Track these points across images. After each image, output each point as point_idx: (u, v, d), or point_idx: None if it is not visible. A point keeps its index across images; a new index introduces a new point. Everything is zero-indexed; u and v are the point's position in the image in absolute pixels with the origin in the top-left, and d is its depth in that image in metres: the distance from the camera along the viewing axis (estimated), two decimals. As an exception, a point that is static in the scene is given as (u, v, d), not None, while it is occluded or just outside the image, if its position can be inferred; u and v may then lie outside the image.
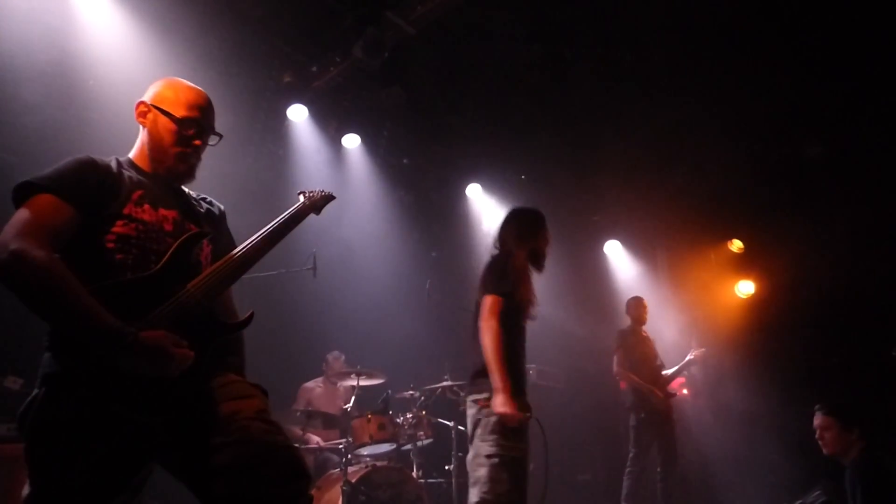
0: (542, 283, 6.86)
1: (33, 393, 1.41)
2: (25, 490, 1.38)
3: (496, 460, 2.48)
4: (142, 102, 1.69)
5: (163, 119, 1.66)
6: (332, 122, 5.70)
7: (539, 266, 2.95)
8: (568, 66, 4.97)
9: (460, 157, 6.29)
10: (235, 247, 1.68)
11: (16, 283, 1.31)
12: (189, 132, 1.66)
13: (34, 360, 1.45)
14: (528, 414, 2.69)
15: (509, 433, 2.52)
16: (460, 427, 4.69)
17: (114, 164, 1.62)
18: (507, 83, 5.27)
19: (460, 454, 4.60)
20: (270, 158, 5.56)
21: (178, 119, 1.65)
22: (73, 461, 1.36)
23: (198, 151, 1.70)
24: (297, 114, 5.39)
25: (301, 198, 1.87)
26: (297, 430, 4.48)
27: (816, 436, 3.07)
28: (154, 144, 1.67)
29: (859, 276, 5.15)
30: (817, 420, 3.07)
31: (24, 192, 1.43)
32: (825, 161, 5.40)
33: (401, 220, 6.30)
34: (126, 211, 1.53)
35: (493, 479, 2.46)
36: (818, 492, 3.19)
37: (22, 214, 1.39)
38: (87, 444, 1.36)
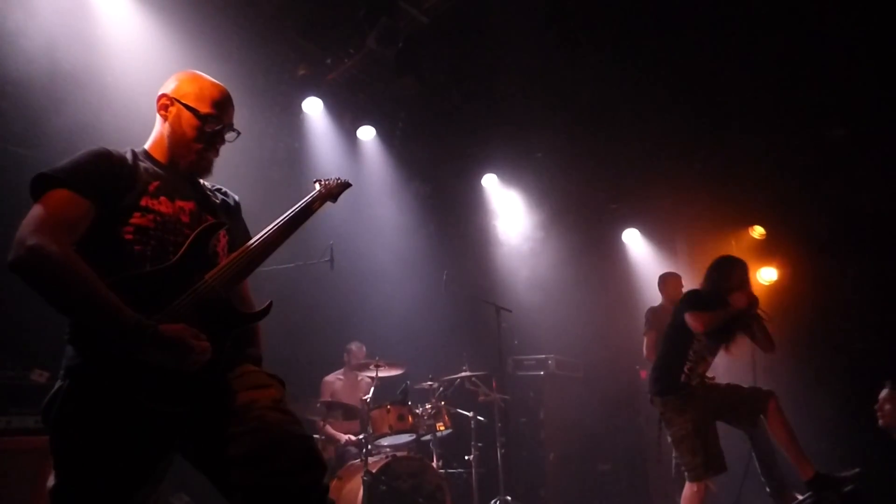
0: (560, 273, 6.82)
1: (57, 385, 1.43)
2: (51, 481, 1.40)
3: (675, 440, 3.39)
4: (164, 95, 1.69)
5: (186, 114, 1.66)
6: (347, 115, 5.71)
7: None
8: (585, 52, 4.89)
9: (476, 147, 6.26)
10: (250, 238, 1.68)
11: (34, 278, 1.32)
12: (212, 129, 1.67)
13: (59, 353, 1.47)
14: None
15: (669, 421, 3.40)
16: (480, 417, 4.70)
17: (129, 156, 1.62)
18: (523, 71, 5.21)
19: (480, 444, 4.61)
20: (286, 152, 5.58)
21: (202, 115, 1.66)
22: (97, 452, 1.37)
23: (218, 148, 1.71)
24: (313, 107, 5.40)
25: (317, 186, 1.86)
26: (319, 422, 4.52)
27: (876, 407, 3.10)
28: (176, 139, 1.67)
29: (884, 262, 5.03)
30: (883, 394, 3.11)
31: (39, 186, 1.44)
32: (849, 144, 5.26)
33: (417, 211, 6.29)
34: (143, 203, 1.53)
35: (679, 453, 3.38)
36: (856, 471, 3.14)
37: (38, 210, 1.40)
38: (110, 435, 1.38)
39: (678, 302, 3.60)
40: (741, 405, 3.43)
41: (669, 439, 3.44)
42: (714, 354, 3.53)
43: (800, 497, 3.19)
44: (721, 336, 3.48)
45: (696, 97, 5.23)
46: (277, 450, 1.35)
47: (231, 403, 1.42)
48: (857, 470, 3.09)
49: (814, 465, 3.16)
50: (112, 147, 1.60)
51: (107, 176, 1.50)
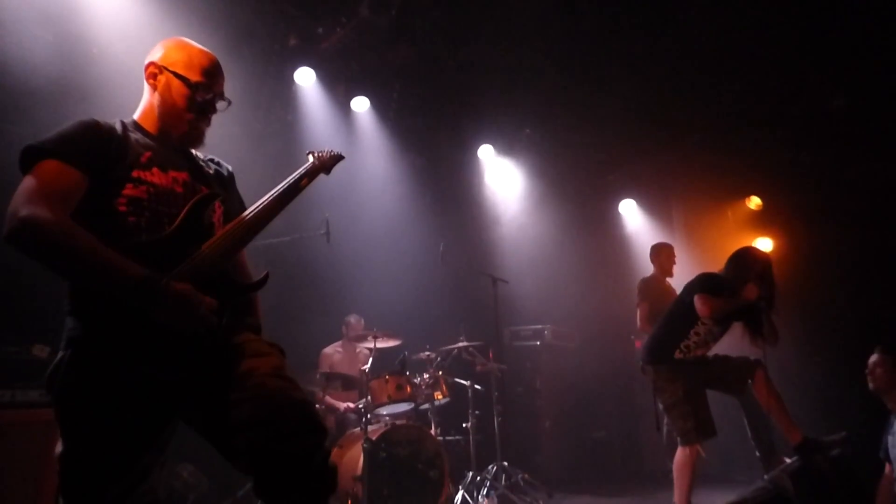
0: (556, 244, 6.83)
1: (59, 356, 1.45)
2: (58, 448, 1.42)
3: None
4: (152, 63, 1.66)
5: (177, 83, 1.63)
6: (340, 85, 5.62)
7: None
8: (582, 18, 4.81)
9: (472, 117, 6.19)
10: (245, 208, 1.67)
11: (31, 246, 1.31)
12: (203, 98, 1.64)
13: (59, 328, 1.47)
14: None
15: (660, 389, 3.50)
16: (476, 386, 4.77)
17: (118, 126, 1.60)
18: (520, 39, 5.13)
19: (477, 413, 4.69)
20: (280, 124, 5.51)
21: (192, 84, 1.63)
22: (101, 419, 1.40)
23: (210, 118, 1.69)
24: (305, 78, 5.32)
25: (310, 158, 1.85)
26: (318, 393, 4.58)
27: (867, 371, 3.20)
28: (166, 109, 1.64)
29: (880, 232, 5.06)
30: (872, 358, 3.21)
31: (29, 158, 1.42)
32: (847, 113, 5.23)
33: (413, 182, 6.26)
34: (135, 174, 1.52)
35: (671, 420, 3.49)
36: (843, 434, 3.23)
37: (28, 182, 1.39)
38: (112, 402, 1.40)
39: (691, 282, 3.55)
40: (729, 374, 3.50)
41: (661, 407, 3.52)
42: (717, 341, 3.57)
43: (788, 461, 3.28)
44: (728, 324, 3.51)
45: (695, 67, 5.17)
46: (279, 415, 1.37)
47: (232, 371, 1.44)
48: (844, 434, 3.17)
49: (802, 431, 3.24)
50: (100, 118, 1.58)
51: (96, 146, 1.49)
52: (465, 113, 6.11)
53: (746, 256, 3.50)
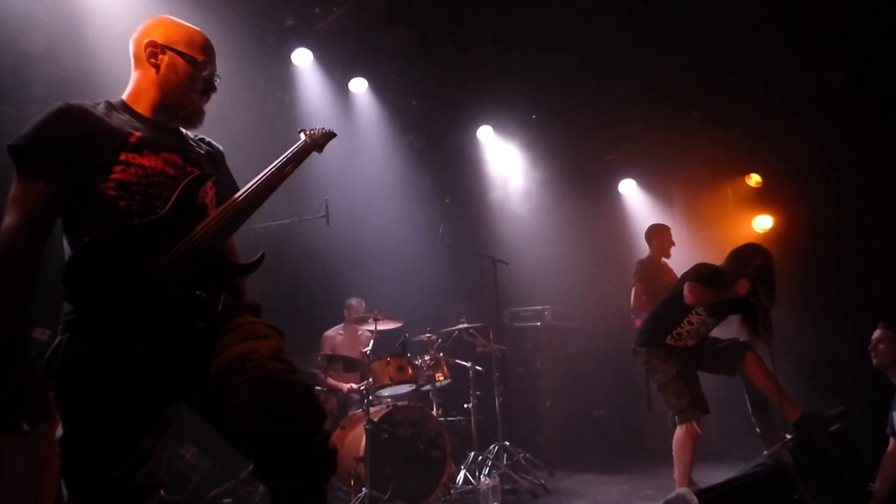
0: (556, 225, 6.81)
1: (56, 340, 1.45)
2: (59, 431, 1.42)
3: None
4: (152, 42, 1.62)
5: (181, 62, 1.62)
6: (338, 66, 5.56)
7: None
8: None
9: (470, 98, 6.14)
10: (238, 188, 1.66)
11: None
12: (207, 75, 1.65)
13: (59, 312, 1.47)
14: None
15: (653, 369, 3.52)
16: (477, 367, 4.79)
17: (102, 108, 1.57)
18: (517, 19, 5.06)
19: (478, 393, 4.72)
20: (277, 105, 5.46)
21: (199, 62, 1.63)
22: (100, 402, 1.39)
23: (210, 96, 1.69)
24: (302, 58, 5.26)
25: (302, 136, 1.84)
26: (320, 374, 4.60)
27: (870, 347, 3.22)
28: (172, 88, 1.62)
29: (881, 208, 5.03)
30: (876, 334, 3.22)
31: (14, 161, 1.44)
32: (847, 90, 5.17)
33: (412, 164, 6.23)
34: (122, 157, 1.49)
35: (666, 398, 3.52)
36: (841, 409, 3.25)
37: (11, 193, 1.42)
38: (111, 385, 1.40)
39: (688, 270, 3.58)
40: (719, 356, 3.53)
41: (655, 387, 3.55)
42: (710, 332, 3.61)
43: (788, 437, 3.30)
44: (722, 316, 3.54)
45: (694, 45, 5.11)
46: (277, 398, 1.37)
47: (230, 354, 1.43)
48: (842, 408, 3.19)
49: (800, 407, 3.26)
50: (75, 100, 1.54)
51: (71, 137, 1.46)
52: (463, 93, 6.06)
53: (746, 252, 3.52)
